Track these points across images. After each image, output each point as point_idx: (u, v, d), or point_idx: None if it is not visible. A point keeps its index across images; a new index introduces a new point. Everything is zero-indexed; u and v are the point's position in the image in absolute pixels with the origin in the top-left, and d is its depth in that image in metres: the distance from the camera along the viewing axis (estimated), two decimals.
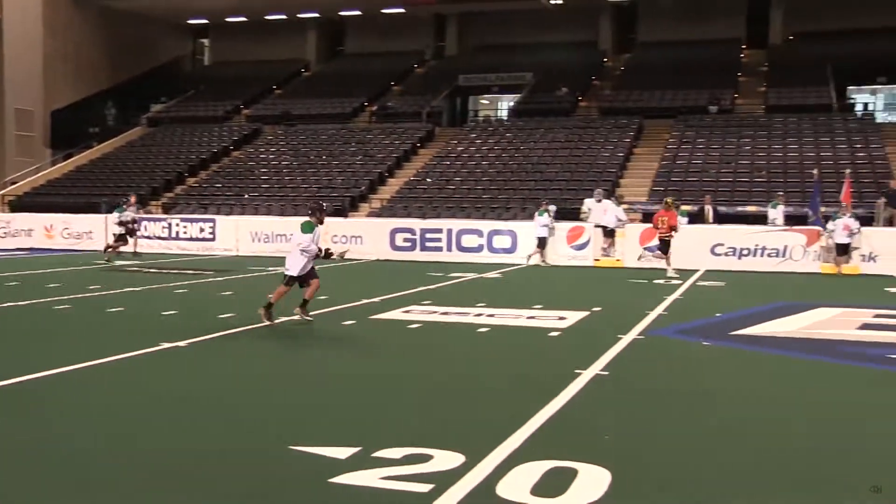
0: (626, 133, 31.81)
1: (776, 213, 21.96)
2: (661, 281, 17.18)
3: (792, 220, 21.92)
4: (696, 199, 24.81)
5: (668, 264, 18.47)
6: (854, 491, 4.81)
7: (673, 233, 18.56)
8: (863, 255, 20.04)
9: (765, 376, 8.24)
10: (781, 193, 23.05)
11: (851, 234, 19.48)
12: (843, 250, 19.54)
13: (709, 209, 23.03)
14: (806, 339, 10.41)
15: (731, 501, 4.69)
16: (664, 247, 18.69)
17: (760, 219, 22.46)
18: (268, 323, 10.47)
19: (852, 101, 37.39)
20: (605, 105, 35.58)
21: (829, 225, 19.97)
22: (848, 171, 23.05)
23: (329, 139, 34.59)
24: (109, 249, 22.32)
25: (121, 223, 22.60)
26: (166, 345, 9.01)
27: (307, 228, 10.62)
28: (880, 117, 36.06)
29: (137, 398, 6.88)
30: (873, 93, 40.79)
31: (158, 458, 5.27)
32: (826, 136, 29.55)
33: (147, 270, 18.98)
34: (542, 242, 21.69)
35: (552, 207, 22.77)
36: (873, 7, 37.06)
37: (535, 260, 21.64)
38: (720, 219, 22.83)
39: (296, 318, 10.88)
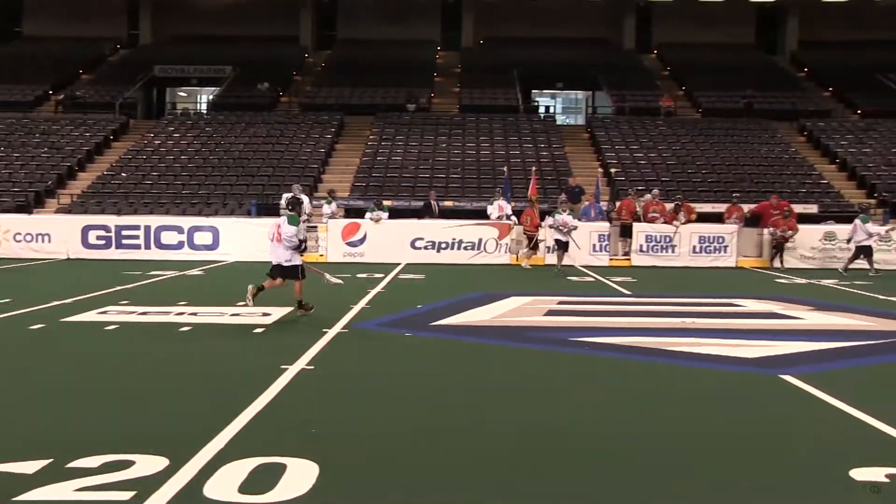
0: (328, 129, 32.12)
1: (493, 208, 22.89)
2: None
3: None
4: (397, 194, 25.69)
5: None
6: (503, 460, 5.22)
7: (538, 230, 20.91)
8: (548, 248, 21.67)
9: (463, 363, 8.70)
10: (500, 189, 24.12)
11: (569, 231, 20.16)
12: (563, 247, 19.60)
13: (434, 204, 23.82)
14: (500, 326, 11.11)
15: (443, 483, 4.91)
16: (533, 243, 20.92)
17: (482, 213, 23.33)
18: (248, 303, 11.28)
19: (536, 103, 40.40)
20: (306, 101, 35.70)
21: (549, 220, 20.92)
22: (534, 168, 24.94)
23: (7, 129, 31.69)
24: None
25: None
26: None
27: (293, 221, 11.14)
28: (560, 119, 39.34)
29: None
30: (553, 96, 44.45)
31: None
32: (514, 135, 31.67)
33: None
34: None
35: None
36: (554, 18, 40.36)
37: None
38: (442, 213, 23.60)
39: (301, 316, 11.23)
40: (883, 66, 38.31)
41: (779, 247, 21.65)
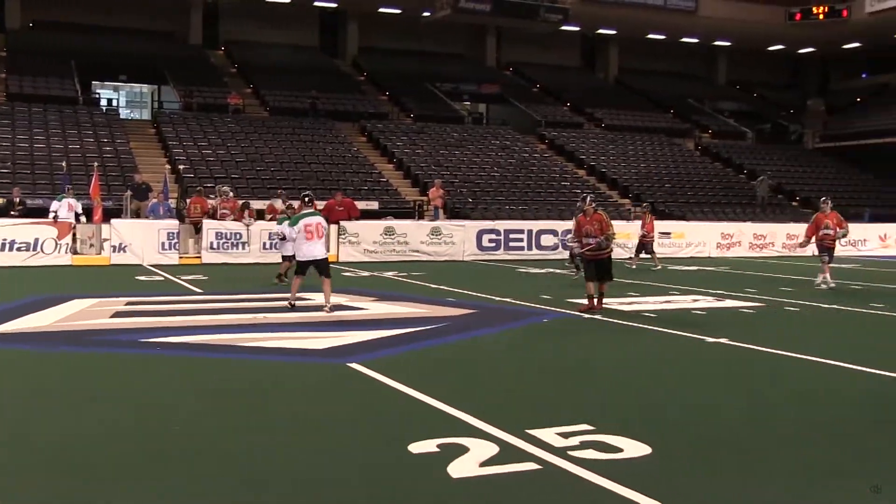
0: None
1: (61, 205, 20.97)
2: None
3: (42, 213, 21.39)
4: None
5: None
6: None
7: None
8: (113, 246, 20.68)
9: (19, 375, 8.03)
10: (70, 187, 22.20)
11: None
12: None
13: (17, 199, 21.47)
14: (62, 331, 10.41)
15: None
16: None
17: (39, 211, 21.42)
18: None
19: (97, 95, 38.14)
20: None
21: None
22: (96, 164, 23.56)
23: None
24: None
25: None
26: None
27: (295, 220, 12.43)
28: (124, 113, 37.59)
29: None
30: (116, 89, 42.28)
31: None
32: (73, 128, 29.64)
33: None
34: None
35: None
36: (116, 7, 38.40)
37: None
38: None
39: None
40: (432, 76, 42.10)
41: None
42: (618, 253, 23.92)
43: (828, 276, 16.87)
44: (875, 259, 25.68)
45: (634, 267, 21.28)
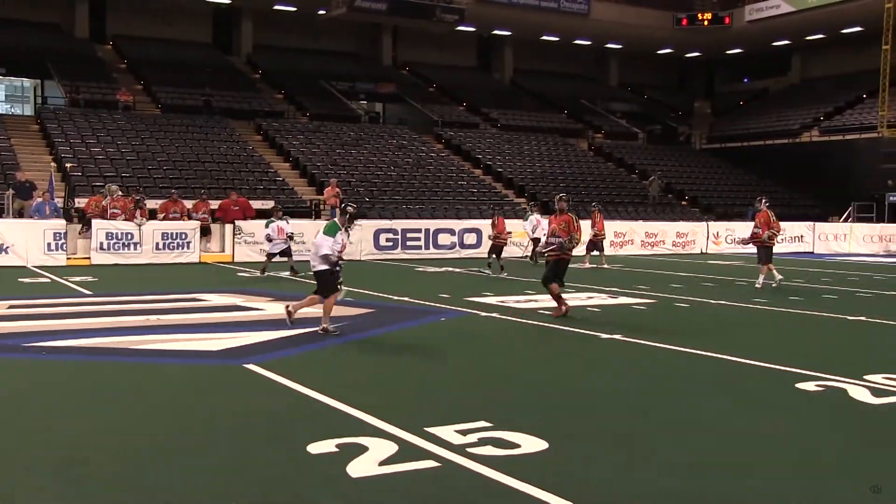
0: None
1: None
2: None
3: None
4: None
5: None
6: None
7: None
8: None
9: None
10: None
11: None
12: None
13: None
14: None
15: None
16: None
17: None
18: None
19: None
20: None
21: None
22: None
23: None
24: None
25: None
26: None
27: (331, 230, 10.31)
28: (3, 108, 36.01)
29: None
30: None
31: None
32: None
33: None
34: None
35: None
36: None
37: None
38: None
39: None
40: (328, 74, 41.81)
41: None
42: (512, 251, 24.38)
43: (764, 276, 16.97)
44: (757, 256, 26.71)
45: (587, 266, 21.68)
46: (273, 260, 18.56)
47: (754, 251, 17.92)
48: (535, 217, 23.40)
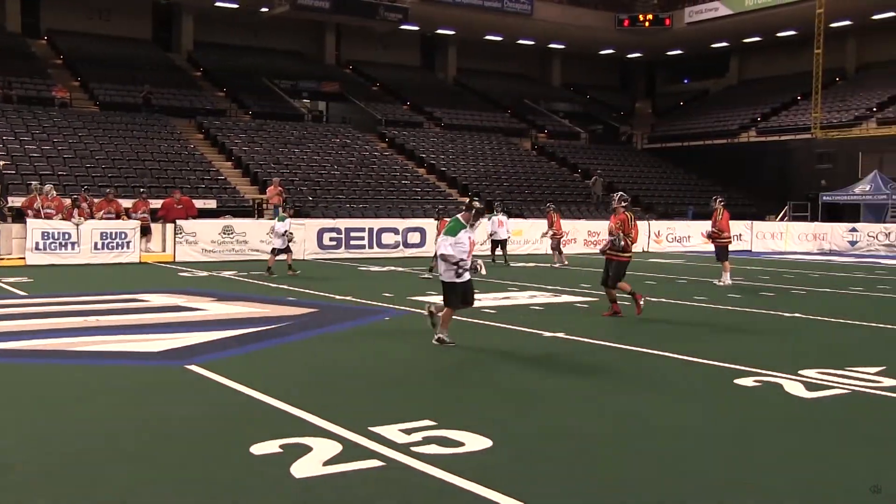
0: None
1: None
2: None
3: None
4: None
5: None
6: None
7: None
8: None
9: None
10: None
11: None
12: None
13: None
14: None
15: None
16: None
17: None
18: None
19: None
20: None
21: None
22: None
23: None
24: None
25: None
26: None
27: (453, 229, 9.46)
28: None
29: None
30: None
31: None
32: None
33: None
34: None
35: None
36: None
37: None
38: None
39: None
40: (270, 73, 41.45)
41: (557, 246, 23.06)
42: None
43: (728, 273, 17.42)
44: (698, 254, 27.19)
45: (557, 266, 21.86)
46: (277, 256, 18.55)
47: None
48: (497, 218, 23.24)
